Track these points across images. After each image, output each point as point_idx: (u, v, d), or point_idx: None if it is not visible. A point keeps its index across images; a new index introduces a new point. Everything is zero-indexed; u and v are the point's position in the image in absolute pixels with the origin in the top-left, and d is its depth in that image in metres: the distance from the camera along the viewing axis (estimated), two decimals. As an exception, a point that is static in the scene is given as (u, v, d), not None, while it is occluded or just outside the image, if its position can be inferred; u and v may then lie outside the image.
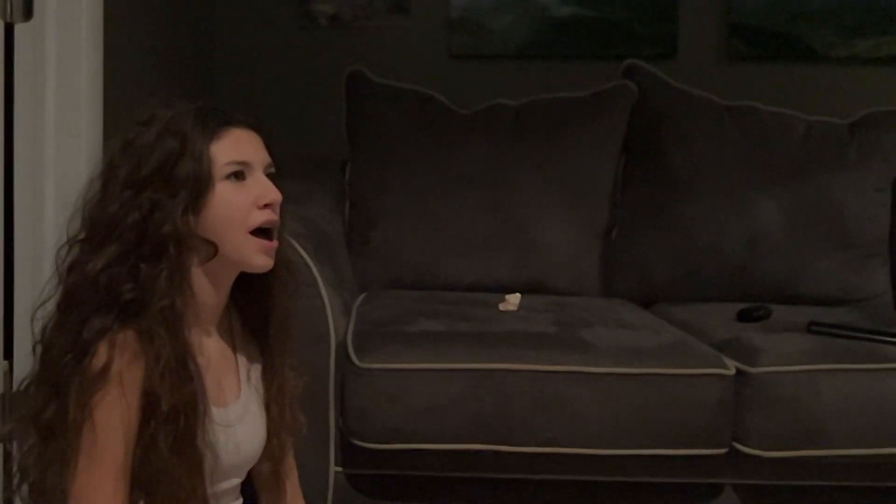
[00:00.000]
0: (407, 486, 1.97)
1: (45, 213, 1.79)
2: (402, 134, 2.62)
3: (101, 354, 1.17)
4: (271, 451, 1.41)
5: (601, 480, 1.96)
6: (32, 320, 1.27)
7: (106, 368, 1.16)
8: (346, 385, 1.87)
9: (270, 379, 1.38)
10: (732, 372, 1.91)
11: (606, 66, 2.83)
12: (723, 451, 1.90)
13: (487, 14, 3.08)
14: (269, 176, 1.29)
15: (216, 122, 1.26)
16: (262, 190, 1.26)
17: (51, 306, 1.25)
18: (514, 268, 2.53)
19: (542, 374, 1.86)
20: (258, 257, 1.27)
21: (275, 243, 1.29)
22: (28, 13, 1.79)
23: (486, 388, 1.85)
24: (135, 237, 1.20)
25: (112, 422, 1.17)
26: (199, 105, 1.29)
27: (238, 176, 1.25)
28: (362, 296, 2.36)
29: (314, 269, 1.88)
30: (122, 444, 1.17)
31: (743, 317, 2.22)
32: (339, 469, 1.92)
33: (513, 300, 2.21)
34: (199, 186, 1.22)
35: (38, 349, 1.24)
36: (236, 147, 1.25)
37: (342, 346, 1.90)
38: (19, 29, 1.79)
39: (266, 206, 1.26)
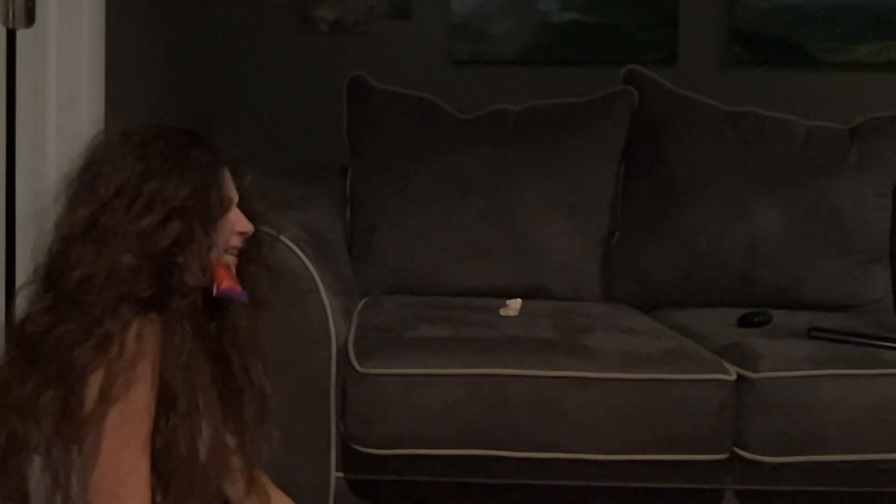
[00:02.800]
0: (408, 491, 1.97)
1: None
2: (403, 139, 2.62)
3: (129, 342, 1.22)
4: (244, 466, 1.43)
5: (602, 486, 1.96)
6: (14, 298, 1.30)
7: (137, 355, 1.21)
8: (348, 390, 1.87)
9: (237, 396, 1.41)
10: (733, 377, 1.91)
11: (607, 71, 2.83)
12: (724, 456, 1.90)
13: (488, 20, 3.08)
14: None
15: (220, 160, 1.38)
16: (240, 219, 1.39)
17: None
18: (515, 273, 2.53)
19: (543, 379, 1.86)
20: (225, 277, 1.37)
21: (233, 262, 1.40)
22: (30, 19, 1.80)
23: (486, 393, 1.85)
24: (161, 252, 1.26)
25: (143, 403, 1.22)
26: (204, 137, 1.40)
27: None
28: (363, 301, 2.36)
29: (315, 275, 1.88)
30: (149, 425, 1.23)
31: (743, 322, 2.22)
32: (341, 474, 1.92)
33: (514, 305, 2.21)
34: (219, 215, 1.35)
35: (25, 334, 1.25)
36: (230, 185, 1.39)
37: (343, 352, 1.90)
38: (21, 35, 1.80)
39: (240, 234, 1.39)
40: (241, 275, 1.40)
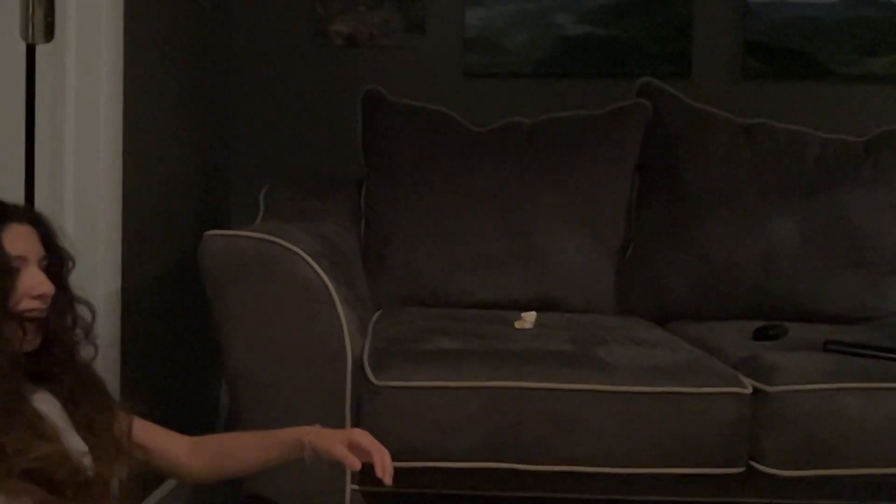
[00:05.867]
0: (423, 504, 1.97)
1: (64, 231, 1.80)
2: (418, 152, 2.63)
3: None
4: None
5: (617, 499, 1.96)
6: None
7: None
8: (363, 403, 1.87)
9: (90, 426, 1.39)
10: (749, 390, 1.90)
11: (621, 84, 2.84)
12: (739, 469, 1.90)
13: (502, 33, 3.09)
14: (46, 267, 1.36)
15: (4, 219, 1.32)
16: (34, 282, 1.32)
17: None
18: (529, 285, 2.53)
19: (558, 392, 1.86)
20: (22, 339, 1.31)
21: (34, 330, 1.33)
22: (49, 34, 1.82)
23: (501, 405, 1.85)
24: None
25: None
26: None
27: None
28: (378, 313, 2.37)
29: (331, 287, 1.89)
30: None
31: (759, 335, 2.22)
32: (356, 487, 1.92)
33: (528, 318, 2.21)
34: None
35: None
36: (13, 243, 1.31)
37: (358, 364, 1.90)
38: (40, 50, 1.82)
39: (37, 297, 1.32)
40: (49, 337, 1.34)
